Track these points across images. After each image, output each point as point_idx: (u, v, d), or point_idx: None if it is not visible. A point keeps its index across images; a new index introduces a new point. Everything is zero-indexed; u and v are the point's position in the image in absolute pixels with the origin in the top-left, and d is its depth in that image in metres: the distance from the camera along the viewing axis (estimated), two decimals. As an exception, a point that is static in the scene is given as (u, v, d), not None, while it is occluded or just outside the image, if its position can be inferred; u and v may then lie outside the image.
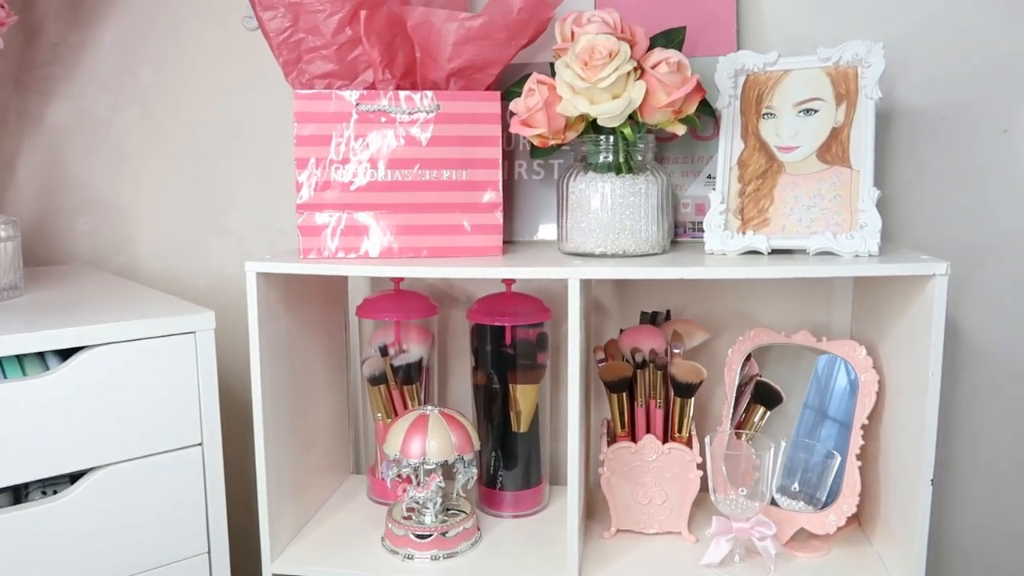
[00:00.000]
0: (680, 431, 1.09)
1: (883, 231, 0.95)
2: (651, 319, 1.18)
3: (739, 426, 1.11)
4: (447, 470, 1.08)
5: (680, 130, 0.99)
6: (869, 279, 1.10)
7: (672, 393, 1.09)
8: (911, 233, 1.18)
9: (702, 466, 1.06)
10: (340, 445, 1.28)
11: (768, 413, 1.13)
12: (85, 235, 1.41)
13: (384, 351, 1.16)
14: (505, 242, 1.10)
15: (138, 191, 1.38)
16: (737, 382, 1.14)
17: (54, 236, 1.41)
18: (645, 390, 1.09)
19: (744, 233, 1.00)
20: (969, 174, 1.17)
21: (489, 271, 0.96)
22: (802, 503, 1.07)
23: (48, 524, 0.88)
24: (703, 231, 1.03)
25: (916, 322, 0.92)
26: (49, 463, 0.87)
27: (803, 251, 0.98)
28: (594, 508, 1.19)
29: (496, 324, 1.13)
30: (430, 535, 1.04)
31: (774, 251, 0.99)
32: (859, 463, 1.02)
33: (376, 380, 1.18)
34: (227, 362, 1.22)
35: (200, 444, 0.97)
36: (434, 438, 1.03)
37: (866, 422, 1.03)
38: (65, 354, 0.89)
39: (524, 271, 0.95)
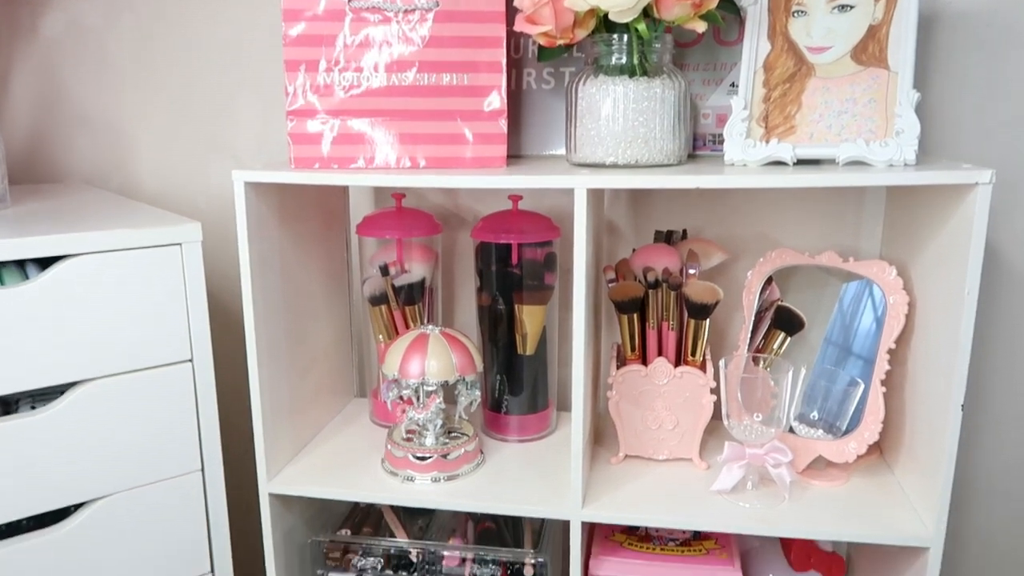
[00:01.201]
0: (693, 355, 1.03)
1: (919, 144, 0.87)
2: (666, 238, 1.11)
3: (757, 352, 1.06)
4: (448, 392, 1.04)
5: (700, 27, 0.91)
6: (903, 193, 1.02)
7: (686, 315, 1.03)
8: (949, 148, 1.10)
9: (716, 391, 1.01)
10: (343, 367, 1.24)
11: (788, 340, 1.07)
12: (82, 153, 1.36)
13: (385, 270, 1.11)
14: (512, 156, 1.04)
15: (134, 107, 1.33)
16: (756, 307, 1.08)
17: (50, 154, 1.37)
18: (657, 312, 1.03)
19: (768, 142, 0.92)
20: (1015, 86, 1.07)
21: (490, 180, 0.89)
22: (821, 431, 1.02)
23: (36, 437, 0.85)
24: (724, 143, 0.95)
25: (953, 238, 0.85)
26: (33, 375, 0.84)
27: (832, 161, 0.90)
28: (602, 434, 1.15)
29: (502, 242, 1.07)
30: (430, 457, 1.00)
31: (800, 161, 0.91)
32: (883, 389, 0.97)
33: (377, 300, 1.13)
34: (226, 283, 1.18)
35: (190, 360, 0.94)
36: (434, 358, 0.99)
37: (893, 346, 0.97)
38: (46, 266, 0.85)
39: (527, 179, 0.89)
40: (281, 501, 1.03)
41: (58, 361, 0.85)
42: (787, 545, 1.16)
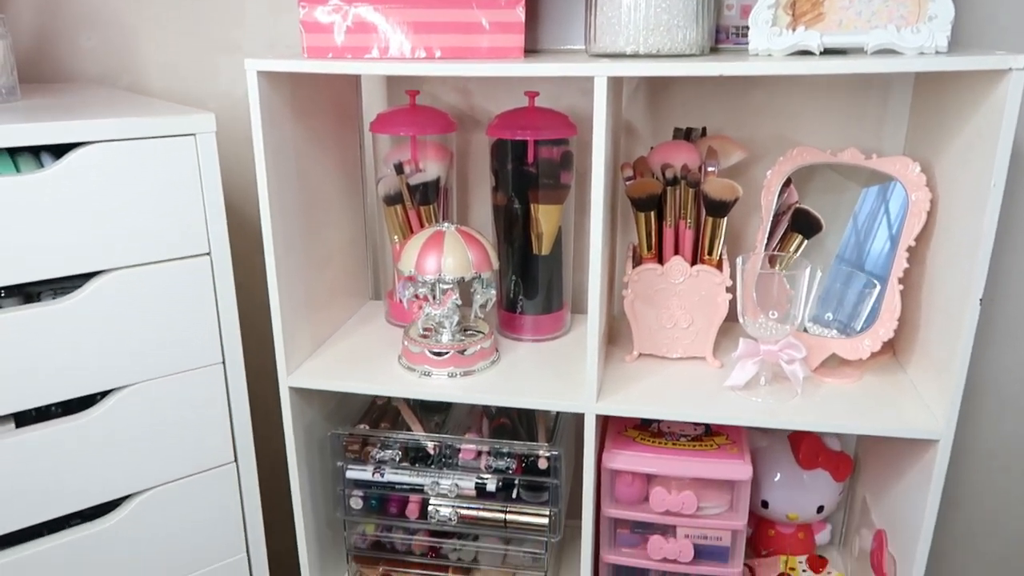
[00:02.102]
0: (710, 253, 1.03)
1: (952, 33, 0.84)
2: (685, 135, 1.09)
3: (773, 261, 1.05)
4: (464, 292, 1.05)
5: (728, -93, 0.87)
6: (931, 85, 0.99)
7: (703, 213, 1.02)
8: (984, 38, 1.06)
9: (732, 290, 1.01)
10: (358, 269, 1.25)
11: (805, 243, 1.06)
12: (89, 53, 1.33)
13: (400, 169, 1.10)
14: (529, 50, 1.01)
15: (141, 5, 1.30)
16: (774, 209, 1.07)
17: (57, 54, 1.34)
18: (675, 209, 1.02)
19: (794, 30, 0.89)
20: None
21: (507, 68, 0.87)
22: (835, 332, 1.02)
23: (59, 326, 0.86)
24: (747, 35, 0.92)
25: (981, 131, 0.83)
26: (51, 265, 0.85)
27: (860, 50, 0.88)
28: (616, 334, 1.15)
29: (518, 139, 1.05)
30: (447, 352, 1.01)
31: (827, 50, 0.88)
32: (901, 287, 0.96)
33: (392, 200, 1.13)
34: (239, 184, 1.17)
35: (208, 254, 0.94)
36: (450, 255, 0.99)
37: (913, 244, 0.96)
38: (61, 156, 0.84)
39: (545, 67, 0.86)
40: (301, 396, 1.05)
41: (76, 251, 0.86)
42: (795, 444, 1.18)
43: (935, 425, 0.90)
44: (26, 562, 0.90)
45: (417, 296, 1.04)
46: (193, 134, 0.90)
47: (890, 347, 1.07)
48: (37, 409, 0.90)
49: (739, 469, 1.00)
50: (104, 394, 0.92)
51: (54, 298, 0.90)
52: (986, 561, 1.32)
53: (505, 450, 1.05)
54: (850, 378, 1.01)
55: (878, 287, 1.00)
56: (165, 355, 0.94)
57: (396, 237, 1.15)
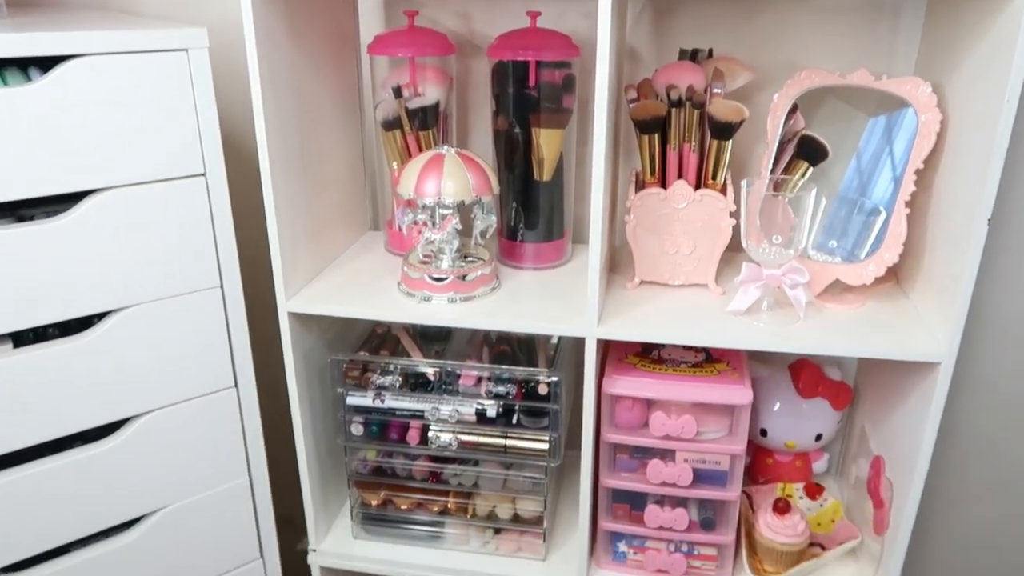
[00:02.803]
0: (714, 178, 1.01)
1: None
2: (691, 56, 1.06)
3: (779, 185, 1.03)
4: (464, 216, 1.03)
5: None
6: (944, 3, 0.96)
7: (708, 136, 1.00)
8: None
9: (735, 215, 1.00)
10: (356, 198, 1.23)
11: (811, 170, 1.04)
12: (77, -26, 1.29)
13: (398, 92, 1.07)
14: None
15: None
16: (780, 135, 1.05)
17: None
18: (679, 132, 1.00)
19: (806, -59, 0.86)
20: None
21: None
22: (839, 259, 1.02)
23: (51, 245, 0.85)
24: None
25: (996, 47, 0.81)
26: (41, 182, 0.83)
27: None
28: (618, 263, 1.14)
29: (519, 60, 1.03)
30: (447, 278, 1.01)
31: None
32: (907, 210, 0.95)
33: (390, 125, 1.10)
34: (235, 112, 1.14)
35: (203, 175, 0.92)
36: (450, 178, 0.97)
37: (921, 167, 0.94)
38: (50, 68, 0.82)
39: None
40: (300, 322, 1.04)
41: (67, 168, 0.84)
42: (795, 373, 1.19)
43: (937, 348, 0.90)
44: (26, 482, 0.90)
45: (416, 222, 1.03)
46: (185, 49, 0.87)
47: (893, 274, 1.06)
48: (35, 331, 0.90)
49: (739, 394, 1.00)
50: (102, 317, 0.91)
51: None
52: (981, 489, 1.33)
53: (505, 376, 1.05)
54: (853, 304, 1.00)
55: (883, 215, 0.99)
56: (162, 278, 0.93)
57: (395, 164, 1.13)
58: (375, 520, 1.16)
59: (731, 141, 0.99)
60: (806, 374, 1.17)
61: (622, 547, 1.11)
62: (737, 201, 0.99)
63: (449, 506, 1.14)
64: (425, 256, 1.05)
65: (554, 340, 1.13)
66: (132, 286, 0.91)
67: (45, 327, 0.90)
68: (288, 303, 1.01)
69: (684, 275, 1.05)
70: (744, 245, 0.96)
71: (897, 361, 0.98)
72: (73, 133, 0.83)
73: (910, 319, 0.97)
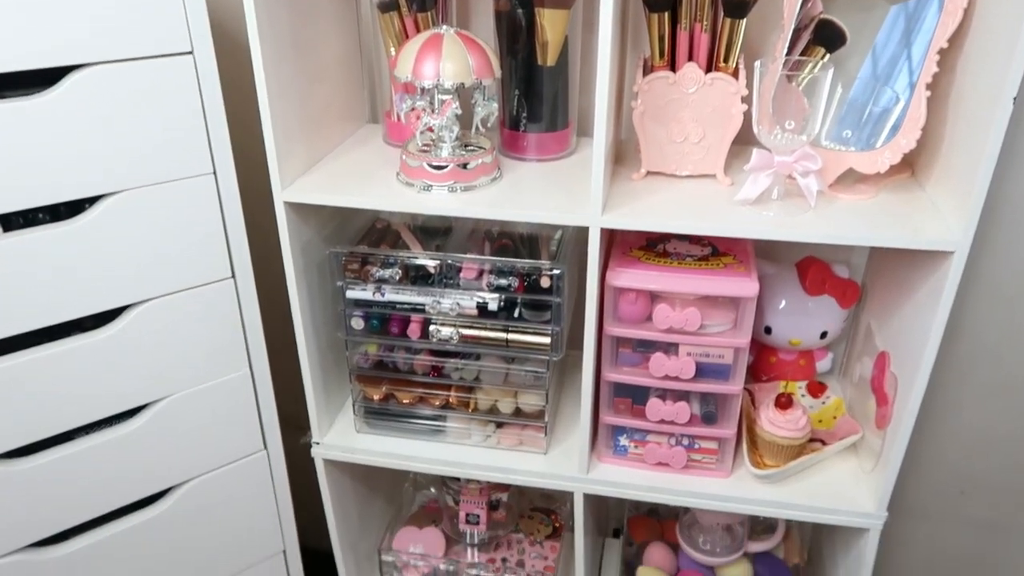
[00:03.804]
0: (726, 61, 0.97)
1: None
2: (705, -71, 1.00)
3: (795, 67, 0.99)
4: (464, 102, 0.99)
5: None
6: None
7: (721, 15, 0.95)
8: None
9: (747, 100, 0.96)
10: (353, 89, 1.18)
11: (828, 57, 0.99)
12: None
13: (395, -29, 1.02)
14: None
15: None
16: (796, 20, 0.99)
17: None
18: (691, 10, 0.95)
19: None
20: None
21: None
22: (853, 148, 0.98)
23: (37, 123, 0.82)
24: None
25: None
26: (24, 56, 0.80)
27: None
28: (624, 156, 1.11)
29: (522, -67, 0.97)
30: (447, 166, 0.97)
31: None
32: (928, 93, 0.91)
33: (387, 6, 1.05)
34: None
35: (190, 52, 0.88)
36: (449, 59, 0.93)
37: (945, 46, 0.89)
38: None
39: None
40: (297, 213, 1.02)
41: (50, 44, 0.80)
42: (803, 270, 1.16)
43: (952, 237, 0.87)
44: (24, 368, 0.90)
45: (415, 108, 0.99)
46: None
47: (909, 166, 1.02)
48: (24, 216, 0.88)
49: (745, 285, 0.98)
50: (92, 202, 0.89)
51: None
52: (984, 391, 1.33)
53: (507, 268, 1.03)
54: (865, 194, 0.97)
55: (901, 102, 0.94)
56: (153, 162, 0.90)
57: (392, 49, 1.09)
58: (377, 414, 1.17)
59: (745, 20, 0.94)
60: (813, 271, 1.15)
61: (623, 441, 1.12)
62: (749, 85, 0.95)
63: (451, 400, 1.14)
64: (424, 145, 1.01)
65: (556, 237, 1.11)
66: (121, 170, 0.88)
67: (36, 213, 0.88)
68: (284, 192, 0.99)
69: (692, 165, 1.02)
70: (755, 131, 0.93)
71: (908, 252, 0.96)
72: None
73: (924, 209, 0.94)
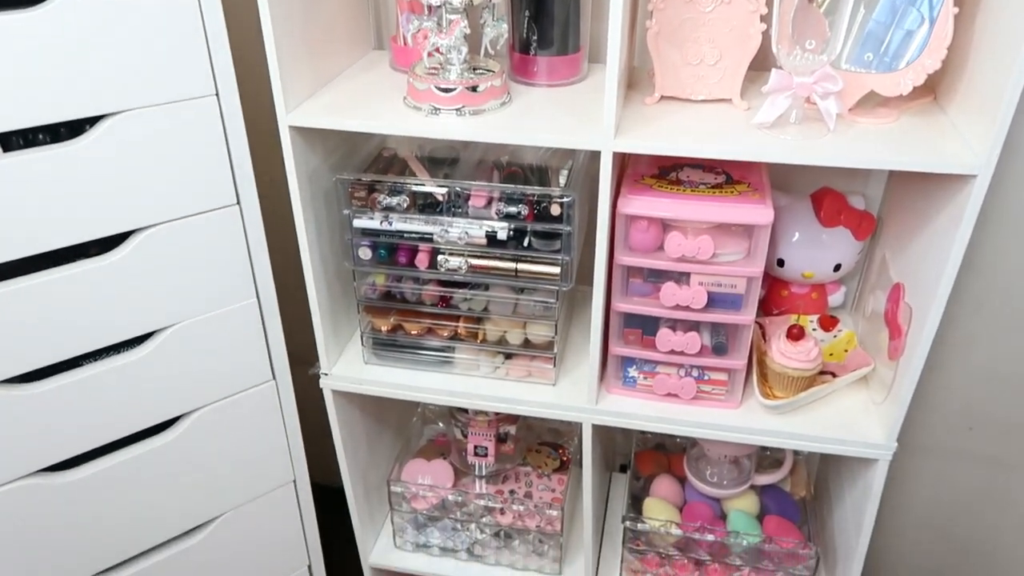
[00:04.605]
0: (745, -23, 0.93)
1: None
2: None
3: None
4: (473, 23, 0.96)
5: None
6: None
7: (742, -72, 0.91)
8: None
9: (766, 19, 0.92)
10: (358, 13, 1.15)
11: (850, -24, 0.95)
12: None
13: None
14: None
15: None
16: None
17: None
18: (709, -77, 0.91)
19: None
20: None
21: None
22: (875, 71, 0.95)
23: (27, 37, 0.80)
24: None
25: None
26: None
27: None
28: (637, 82, 1.08)
29: None
30: (455, 89, 0.95)
31: None
32: (956, 10, 0.87)
33: (393, -78, 1.01)
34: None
35: (190, -33, 0.85)
36: (458, -25, 0.90)
37: (975, -40, 0.86)
38: None
39: None
40: (303, 138, 1.00)
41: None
42: (818, 201, 1.14)
43: (975, 160, 0.84)
44: (30, 292, 0.89)
45: (422, 29, 0.96)
46: None
47: (931, 90, 0.99)
48: (24, 138, 0.86)
49: (760, 213, 0.96)
50: (93, 123, 0.87)
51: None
52: (996, 327, 1.31)
53: (517, 195, 1.01)
54: (886, 118, 0.94)
55: (926, 22, 0.91)
56: (151, 83, 0.88)
57: (398, -32, 1.05)
58: (385, 346, 1.16)
59: (766, -66, 0.91)
60: (828, 202, 1.13)
61: (632, 372, 1.11)
62: (769, 4, 0.91)
63: (459, 331, 1.13)
64: (432, 67, 0.98)
65: (566, 168, 1.09)
66: (121, 91, 0.86)
67: (35, 134, 0.86)
68: (289, 116, 0.96)
69: (707, 89, 0.99)
70: (774, 51, 0.89)
71: (928, 179, 0.93)
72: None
73: (946, 133, 0.91)
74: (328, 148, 1.07)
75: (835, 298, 1.22)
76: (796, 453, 1.32)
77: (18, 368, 0.92)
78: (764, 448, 1.32)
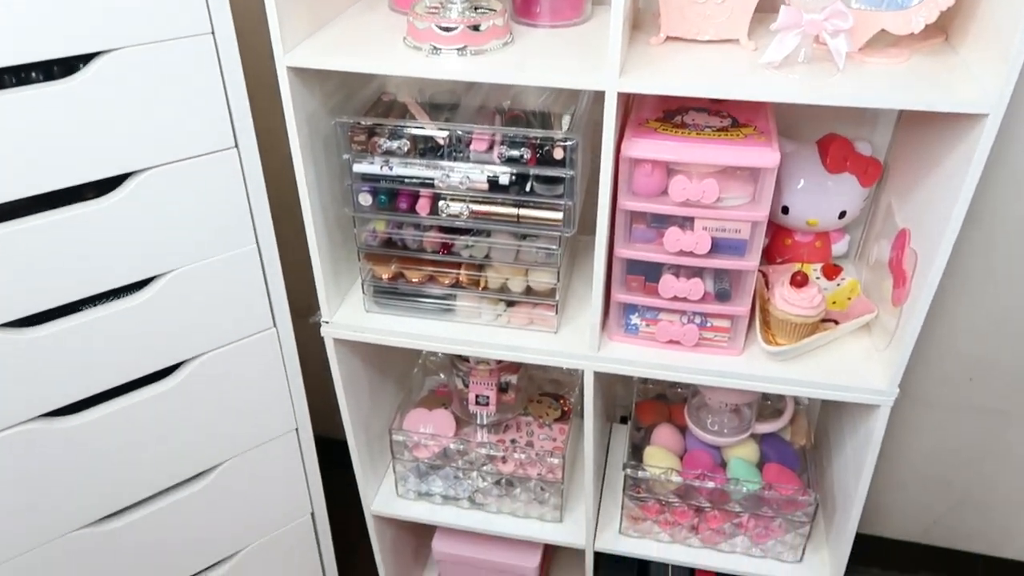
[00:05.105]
0: (755, -89, 0.91)
1: None
2: None
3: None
4: (475, -40, 0.94)
5: None
6: None
7: None
8: None
9: (776, -47, 0.90)
10: (356, -47, 1.13)
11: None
12: None
13: None
14: None
15: None
16: None
17: None
18: None
19: None
20: None
21: None
22: (886, 9, 0.92)
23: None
24: None
25: None
26: None
27: None
28: (641, 23, 1.06)
29: None
30: (456, 28, 0.93)
31: None
32: (971, -57, 0.85)
33: None
34: None
35: None
36: (459, -94, 0.87)
37: None
38: None
39: None
40: (301, 79, 0.98)
41: None
42: (824, 147, 1.13)
43: (986, 98, 0.83)
44: (26, 235, 0.88)
45: (422, -34, 0.93)
46: None
47: (942, 31, 0.97)
48: (17, 75, 0.84)
49: (766, 155, 0.94)
50: (87, 61, 0.85)
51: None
52: (1000, 277, 1.31)
53: (519, 139, 0.99)
54: (897, 58, 0.92)
55: (940, -42, 0.89)
56: (145, 19, 0.86)
57: (397, -96, 1.02)
58: (386, 293, 1.16)
59: None
60: (835, 148, 1.11)
61: (634, 319, 1.11)
62: (779, -63, 0.89)
63: (461, 279, 1.12)
64: (432, 6, 0.96)
65: (569, 113, 1.07)
66: (113, 28, 0.84)
67: (28, 71, 0.84)
68: (286, 57, 0.94)
69: (714, 29, 0.97)
70: (783, -13, 0.88)
71: (938, 120, 0.92)
72: None
73: (958, 72, 0.89)
74: (326, 92, 1.05)
75: (839, 247, 1.22)
76: (797, 403, 1.32)
77: (16, 312, 0.91)
78: (765, 398, 1.32)
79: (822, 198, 1.13)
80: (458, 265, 1.12)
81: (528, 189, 1.02)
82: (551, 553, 1.57)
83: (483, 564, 1.44)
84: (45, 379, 0.96)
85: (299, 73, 0.97)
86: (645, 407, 1.39)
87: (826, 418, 1.37)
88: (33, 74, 0.85)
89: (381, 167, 1.03)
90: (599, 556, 1.33)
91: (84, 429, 1.01)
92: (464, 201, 1.04)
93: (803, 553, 1.26)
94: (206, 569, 1.24)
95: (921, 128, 1.01)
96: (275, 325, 1.12)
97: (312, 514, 1.33)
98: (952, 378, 1.44)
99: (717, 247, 1.01)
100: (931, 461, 1.56)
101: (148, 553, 1.15)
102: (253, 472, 1.21)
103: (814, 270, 1.19)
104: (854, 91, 0.86)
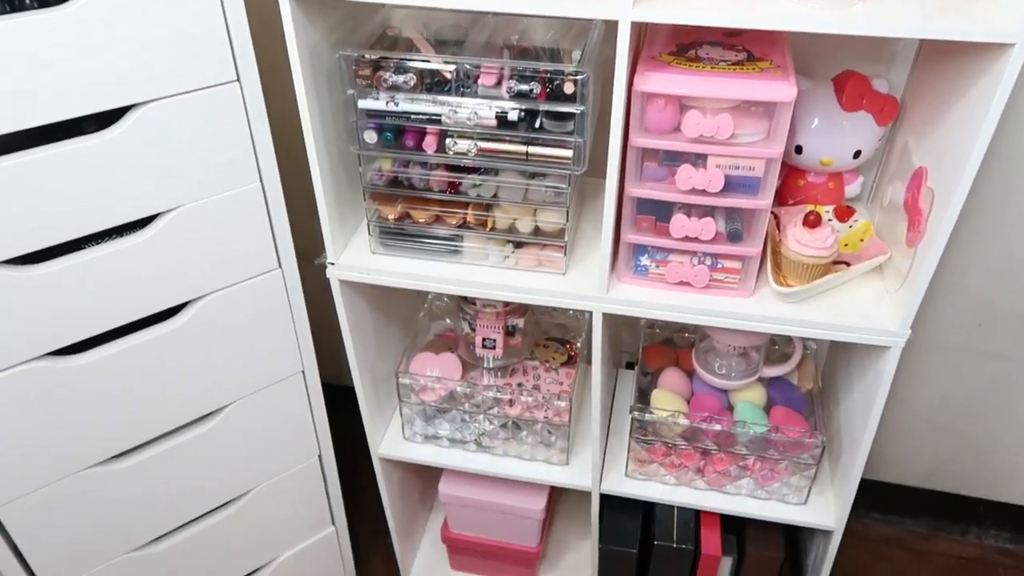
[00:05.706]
0: None
1: None
2: None
3: None
4: None
5: None
6: None
7: None
8: None
9: None
10: None
11: None
12: None
13: None
14: None
15: None
16: None
17: None
18: None
19: None
20: None
21: None
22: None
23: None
24: None
25: None
26: None
27: None
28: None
29: None
30: (464, -46, 0.89)
31: None
32: None
33: None
34: None
35: None
36: None
37: None
38: None
39: None
40: (303, 10, 0.94)
41: None
42: (839, 85, 1.10)
43: (1014, 27, 0.80)
44: (22, 170, 0.86)
45: None
46: None
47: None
48: (11, 2, 0.81)
49: (783, 89, 0.92)
50: (83, -13, 0.82)
51: None
52: (1013, 221, 1.29)
53: (528, 72, 0.96)
54: (919, -13, 0.89)
55: None
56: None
57: None
58: (393, 234, 1.14)
59: None
60: (851, 85, 1.08)
61: (644, 261, 1.09)
62: None
63: (468, 219, 1.11)
64: (439, -67, 0.92)
65: (579, 49, 1.04)
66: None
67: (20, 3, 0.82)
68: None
69: (731, -43, 0.93)
70: (806, -90, 0.84)
71: (959, 52, 0.90)
72: None
73: (978, 3, 0.86)
74: (329, 25, 1.02)
75: (852, 188, 1.19)
76: (804, 347, 1.32)
77: (17, 248, 0.90)
78: (773, 342, 1.32)
79: (837, 137, 1.11)
80: (465, 205, 1.10)
81: (537, 126, 0.99)
82: (557, 496, 1.59)
83: (489, 507, 1.46)
84: (50, 317, 0.95)
85: (300, 3, 0.94)
86: (652, 351, 1.39)
87: (834, 362, 1.37)
88: (28, 0, 0.82)
89: (386, 103, 1.01)
90: (605, 498, 1.34)
91: (90, 368, 1.00)
92: (472, 138, 1.02)
93: (808, 495, 1.27)
94: (216, 509, 1.25)
95: (942, 61, 0.98)
96: (280, 266, 1.11)
97: (320, 456, 1.34)
98: (961, 323, 1.43)
99: (730, 185, 0.99)
100: (936, 407, 1.56)
101: (158, 493, 1.15)
102: (260, 414, 1.21)
103: (826, 212, 1.17)
104: (875, 21, 0.83)
